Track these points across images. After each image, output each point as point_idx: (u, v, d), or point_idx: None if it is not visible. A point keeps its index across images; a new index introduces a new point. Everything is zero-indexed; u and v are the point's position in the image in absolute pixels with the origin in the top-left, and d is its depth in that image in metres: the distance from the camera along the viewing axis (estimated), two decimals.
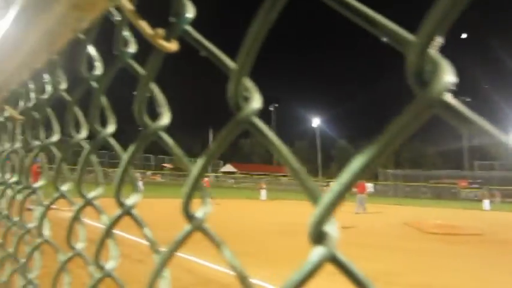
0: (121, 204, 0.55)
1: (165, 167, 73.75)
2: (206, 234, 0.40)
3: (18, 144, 1.07)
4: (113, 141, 0.58)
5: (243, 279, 0.38)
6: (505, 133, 0.20)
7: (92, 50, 0.62)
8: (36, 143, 0.89)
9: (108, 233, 0.60)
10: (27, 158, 0.97)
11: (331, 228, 0.26)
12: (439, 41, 0.20)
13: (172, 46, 0.36)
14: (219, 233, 0.43)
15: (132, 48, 0.50)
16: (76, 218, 0.74)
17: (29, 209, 1.03)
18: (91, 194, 0.68)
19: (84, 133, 0.69)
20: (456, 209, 32.75)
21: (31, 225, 1.02)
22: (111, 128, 0.58)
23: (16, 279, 1.08)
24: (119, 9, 0.43)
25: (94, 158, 0.66)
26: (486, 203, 33.89)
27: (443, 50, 0.20)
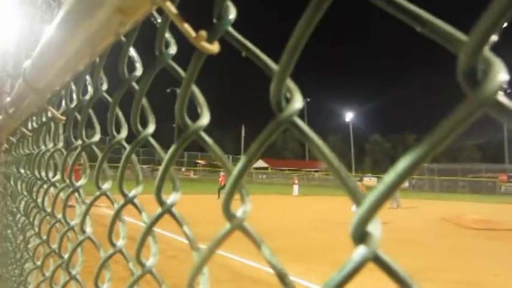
0: (162, 203, 0.56)
1: (199, 163, 74.72)
2: (246, 233, 0.41)
3: (60, 144, 1.11)
4: (153, 141, 0.60)
5: (282, 277, 0.38)
6: None
7: (132, 51, 0.64)
8: (78, 142, 0.92)
9: (148, 231, 0.62)
10: (70, 157, 1.00)
11: (375, 228, 0.26)
12: (493, 40, 0.19)
13: (215, 48, 0.37)
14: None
15: (173, 49, 0.51)
16: (117, 216, 0.77)
17: (70, 206, 1.07)
18: (132, 193, 0.70)
19: (124, 133, 0.71)
20: (496, 203, 31.67)
21: (74, 222, 1.05)
22: (151, 128, 0.60)
23: (59, 274, 1.12)
24: (159, 11, 0.44)
25: (134, 158, 0.68)
26: None
27: (495, 48, 0.20)
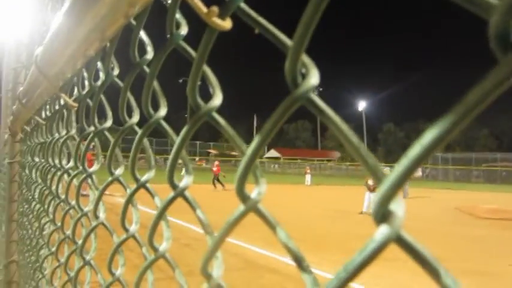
0: (174, 187, 0.55)
1: (211, 153, 75.08)
2: (260, 215, 0.40)
3: (73, 131, 1.11)
4: (165, 124, 0.59)
5: (299, 261, 0.37)
6: None
7: (143, 34, 0.63)
8: (91, 129, 0.92)
9: (161, 215, 0.62)
10: (82, 144, 1.00)
11: (398, 207, 0.25)
12: None
13: (226, 24, 0.35)
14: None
15: (184, 30, 0.50)
16: (129, 201, 0.76)
17: (83, 195, 1.08)
18: (144, 177, 0.70)
19: (136, 117, 0.70)
20: (511, 193, 31.25)
21: (87, 208, 1.06)
22: (163, 111, 0.59)
23: (74, 260, 1.13)
24: None
25: (146, 142, 0.68)
26: None
27: None
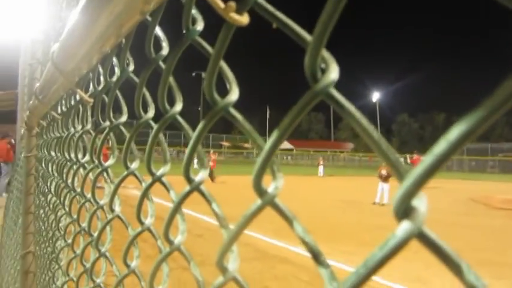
0: (190, 181, 0.56)
1: (223, 145, 75.32)
2: (277, 209, 0.40)
3: (89, 126, 1.13)
4: (180, 119, 0.59)
5: (316, 255, 0.37)
6: None
7: (158, 30, 0.63)
8: (106, 123, 0.93)
9: (177, 209, 0.62)
10: (98, 138, 1.01)
11: (420, 203, 0.24)
12: None
13: (244, 19, 0.35)
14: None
15: (200, 25, 0.50)
16: (145, 195, 0.77)
17: (99, 187, 1.09)
18: (159, 171, 0.70)
19: (151, 112, 0.71)
20: None
21: (103, 201, 1.07)
22: (178, 106, 0.59)
23: (89, 252, 1.15)
24: None
25: (161, 137, 0.68)
26: None
27: None
